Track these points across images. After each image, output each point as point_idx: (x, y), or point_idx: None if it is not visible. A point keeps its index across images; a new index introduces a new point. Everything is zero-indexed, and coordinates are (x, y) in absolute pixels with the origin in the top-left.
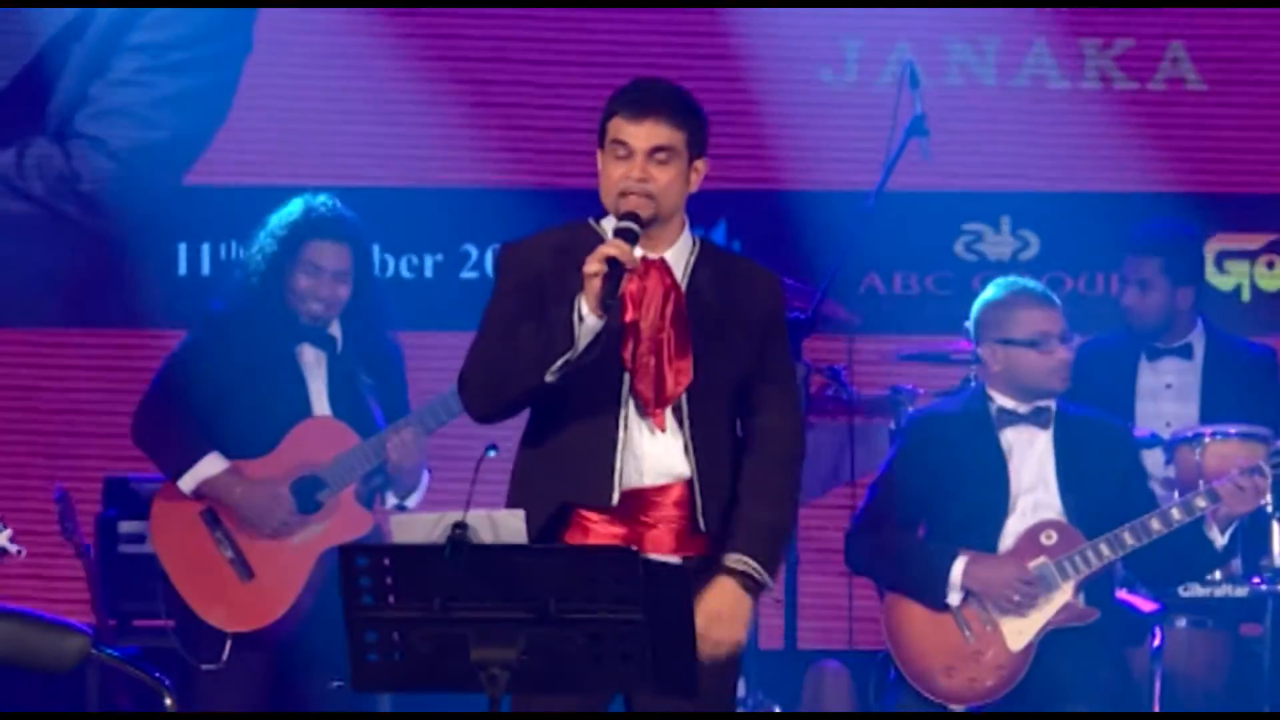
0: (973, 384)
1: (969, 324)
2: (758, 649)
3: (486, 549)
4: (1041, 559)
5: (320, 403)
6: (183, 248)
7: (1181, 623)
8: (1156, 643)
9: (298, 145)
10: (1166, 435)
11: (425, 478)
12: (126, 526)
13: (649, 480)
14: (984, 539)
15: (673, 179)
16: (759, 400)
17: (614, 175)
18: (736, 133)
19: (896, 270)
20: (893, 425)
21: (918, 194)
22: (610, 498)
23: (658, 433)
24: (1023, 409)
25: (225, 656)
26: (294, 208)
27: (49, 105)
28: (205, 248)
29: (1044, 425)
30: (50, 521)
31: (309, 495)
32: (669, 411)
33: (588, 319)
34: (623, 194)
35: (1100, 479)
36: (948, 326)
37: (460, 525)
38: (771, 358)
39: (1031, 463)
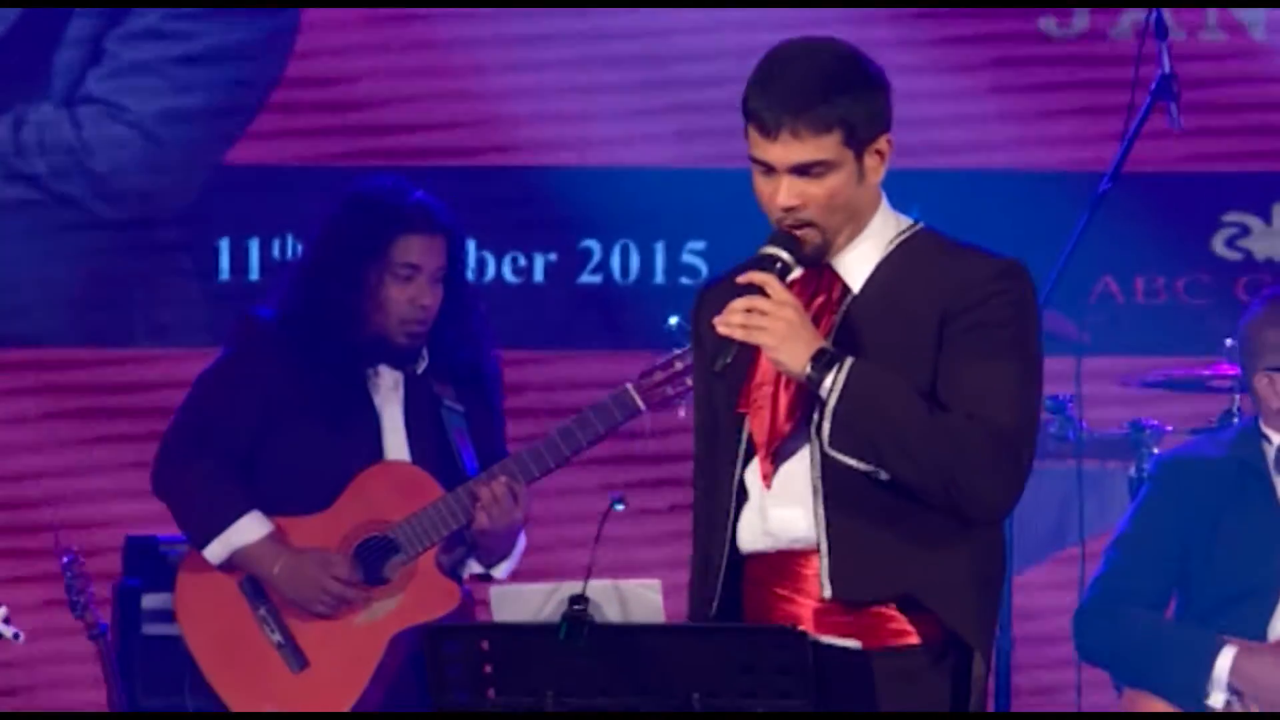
0: (1237, 420)
1: (1232, 342)
2: None
3: (612, 629)
4: None
5: (396, 441)
6: (224, 244)
7: None
8: None
9: (372, 114)
10: None
11: (521, 542)
12: (152, 600)
13: (779, 544)
14: (1252, 621)
15: (836, 189)
16: None
17: (763, 193)
18: (932, 99)
19: (1138, 273)
20: (1134, 471)
21: (1165, 176)
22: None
23: (789, 486)
24: None
25: None
26: (365, 197)
27: (53, 62)
28: (253, 245)
29: None
30: (57, 593)
31: (378, 563)
32: (809, 457)
33: None
34: (775, 217)
35: None
36: (1204, 345)
37: (579, 599)
38: (958, 368)
39: None
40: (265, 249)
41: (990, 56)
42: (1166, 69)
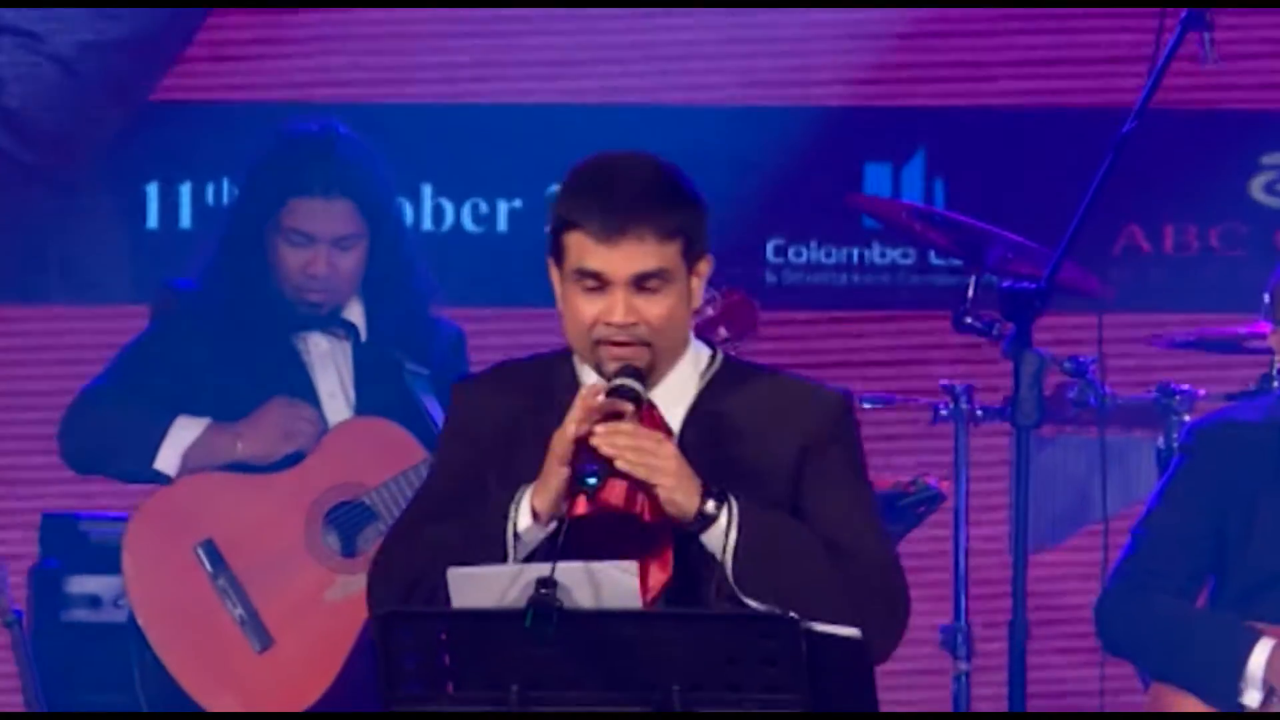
0: (1277, 384)
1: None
2: None
3: (584, 616)
4: None
5: (336, 407)
6: (153, 190)
7: None
8: None
9: (318, 46)
10: None
11: None
12: (76, 584)
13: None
14: None
15: (671, 309)
16: None
17: (584, 314)
18: (938, 30)
19: (1167, 221)
20: (1161, 441)
21: (1197, 113)
22: None
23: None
24: None
25: None
26: (270, 151)
27: None
28: (185, 190)
29: None
30: None
31: (352, 531)
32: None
33: (527, 529)
34: (600, 343)
35: None
36: (1240, 301)
37: (547, 582)
38: (814, 506)
39: None
40: (198, 194)
41: None
42: None
